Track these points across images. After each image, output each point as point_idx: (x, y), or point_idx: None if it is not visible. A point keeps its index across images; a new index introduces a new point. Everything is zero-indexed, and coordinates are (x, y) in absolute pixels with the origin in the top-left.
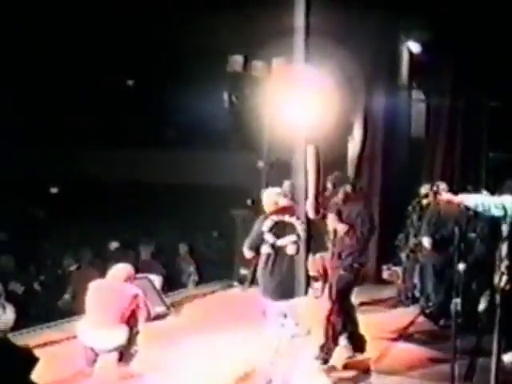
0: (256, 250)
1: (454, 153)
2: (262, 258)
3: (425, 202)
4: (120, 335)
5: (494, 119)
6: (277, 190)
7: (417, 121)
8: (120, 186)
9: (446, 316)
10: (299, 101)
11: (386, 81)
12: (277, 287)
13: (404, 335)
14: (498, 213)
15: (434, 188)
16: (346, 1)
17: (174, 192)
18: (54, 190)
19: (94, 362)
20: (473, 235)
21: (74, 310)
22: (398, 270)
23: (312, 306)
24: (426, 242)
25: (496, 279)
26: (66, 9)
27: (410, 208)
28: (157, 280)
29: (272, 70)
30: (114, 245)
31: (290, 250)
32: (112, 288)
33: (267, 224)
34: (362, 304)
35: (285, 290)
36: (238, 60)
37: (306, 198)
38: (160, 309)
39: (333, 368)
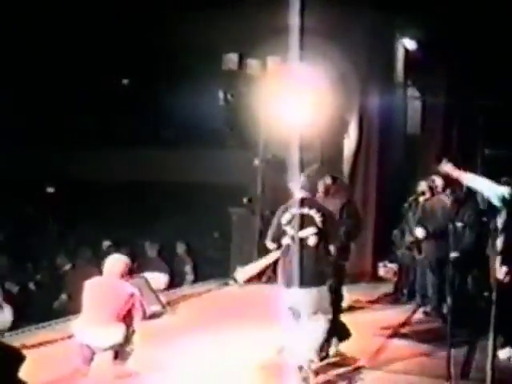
0: (278, 241)
1: (450, 150)
2: (283, 249)
3: (421, 199)
4: (117, 333)
5: (489, 116)
6: None
7: (412, 118)
8: (115, 185)
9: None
10: (294, 99)
11: (382, 78)
12: (296, 277)
13: (400, 332)
14: (497, 202)
15: (430, 183)
16: None
17: (170, 190)
18: (50, 190)
19: (90, 360)
20: (460, 224)
21: (70, 309)
22: (394, 267)
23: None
24: (419, 232)
25: (492, 273)
26: (65, 9)
27: (405, 205)
28: (163, 278)
29: (267, 68)
30: (106, 243)
31: (311, 241)
32: (108, 286)
33: (286, 217)
34: (357, 301)
35: (304, 279)
36: (233, 58)
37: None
38: (156, 308)
39: (329, 365)
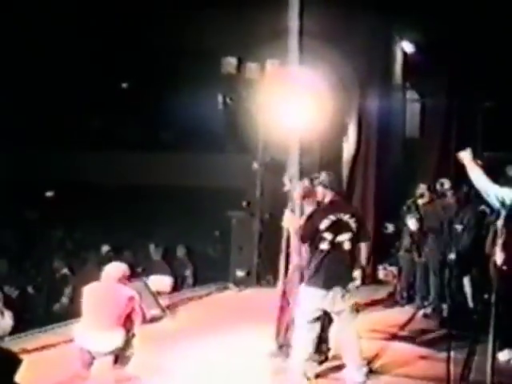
0: (314, 245)
1: (449, 153)
2: (318, 253)
3: (420, 201)
4: (116, 338)
5: (488, 119)
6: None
7: (411, 121)
8: (115, 189)
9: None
10: (293, 102)
11: (380, 81)
12: (330, 278)
13: (400, 335)
14: (495, 203)
15: (438, 186)
16: (339, 2)
17: (169, 194)
18: (49, 194)
19: (90, 365)
20: (459, 227)
21: (71, 313)
22: (394, 269)
23: None
24: (412, 224)
25: (491, 274)
26: (66, 9)
27: (404, 208)
28: (168, 281)
29: (266, 71)
30: (105, 248)
31: (346, 245)
32: (106, 291)
33: (325, 223)
34: (357, 304)
35: (336, 281)
36: (231, 62)
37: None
38: (155, 311)
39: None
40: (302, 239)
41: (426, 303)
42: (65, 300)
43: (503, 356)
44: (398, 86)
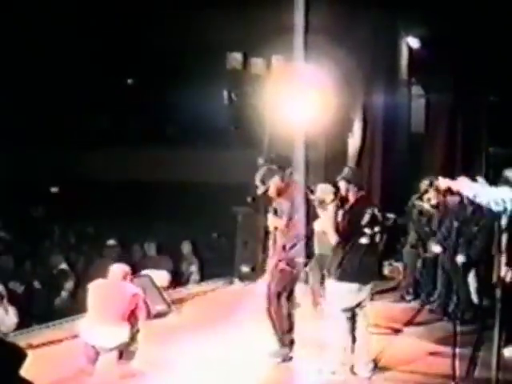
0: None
1: (454, 148)
2: (356, 248)
3: (426, 197)
4: (121, 333)
5: (493, 114)
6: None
7: (416, 116)
8: (120, 185)
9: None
10: (299, 98)
11: (386, 77)
12: (367, 272)
13: (405, 330)
14: (497, 207)
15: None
16: None
17: (175, 190)
18: (54, 190)
19: (95, 360)
20: (474, 229)
21: (72, 308)
22: (399, 265)
23: None
24: (436, 248)
25: (496, 272)
26: (66, 8)
27: (410, 203)
28: (165, 275)
29: (271, 67)
30: (110, 242)
31: (378, 238)
32: (111, 287)
33: (366, 218)
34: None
35: (370, 274)
36: (237, 57)
37: (312, 192)
38: (161, 307)
39: None
40: (344, 236)
41: (431, 299)
42: (64, 294)
43: (508, 352)
44: (404, 81)
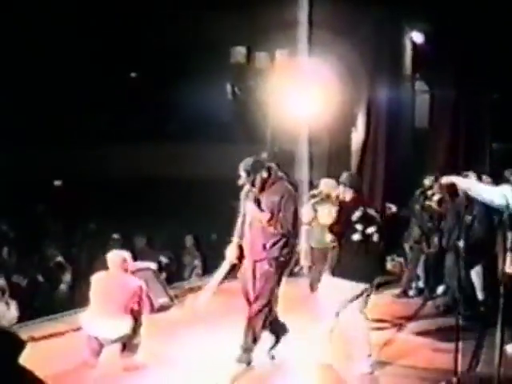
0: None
1: (458, 143)
2: (349, 245)
3: (429, 192)
4: (124, 325)
5: (497, 110)
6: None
7: (420, 112)
8: (123, 180)
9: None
10: (302, 92)
11: (390, 72)
12: (362, 270)
13: (407, 326)
14: (499, 201)
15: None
16: None
17: (178, 184)
18: (57, 183)
19: (98, 353)
20: (469, 218)
21: (73, 300)
22: (402, 260)
23: None
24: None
25: (501, 268)
26: (70, 6)
27: (413, 198)
28: (152, 266)
29: (275, 61)
30: (114, 236)
31: (375, 237)
32: (113, 280)
33: (357, 215)
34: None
35: (369, 272)
36: (241, 51)
37: (311, 188)
38: (164, 300)
39: None
40: (338, 233)
41: (434, 294)
42: (63, 287)
43: (511, 348)
44: (407, 76)
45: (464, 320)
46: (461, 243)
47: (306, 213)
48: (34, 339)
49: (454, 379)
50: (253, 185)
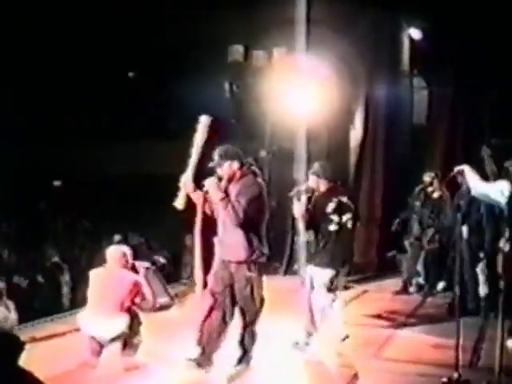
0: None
1: (456, 139)
2: (327, 235)
3: (430, 189)
4: (120, 324)
5: (496, 106)
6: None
7: (418, 108)
8: (122, 178)
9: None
10: (300, 90)
11: (388, 68)
12: (339, 257)
13: (408, 322)
14: (498, 197)
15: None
16: None
17: (176, 183)
18: (57, 183)
19: (98, 353)
20: (477, 215)
21: (72, 300)
22: (402, 257)
23: None
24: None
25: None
26: (67, 3)
27: (412, 195)
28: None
29: (273, 59)
30: (116, 238)
31: (349, 224)
32: (110, 276)
33: (331, 206)
34: (365, 291)
35: (346, 258)
36: (238, 50)
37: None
38: (164, 299)
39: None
40: (310, 224)
41: (434, 291)
42: (63, 287)
43: None
44: (405, 73)
45: (465, 315)
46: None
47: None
48: (34, 340)
49: (455, 375)
50: (222, 172)
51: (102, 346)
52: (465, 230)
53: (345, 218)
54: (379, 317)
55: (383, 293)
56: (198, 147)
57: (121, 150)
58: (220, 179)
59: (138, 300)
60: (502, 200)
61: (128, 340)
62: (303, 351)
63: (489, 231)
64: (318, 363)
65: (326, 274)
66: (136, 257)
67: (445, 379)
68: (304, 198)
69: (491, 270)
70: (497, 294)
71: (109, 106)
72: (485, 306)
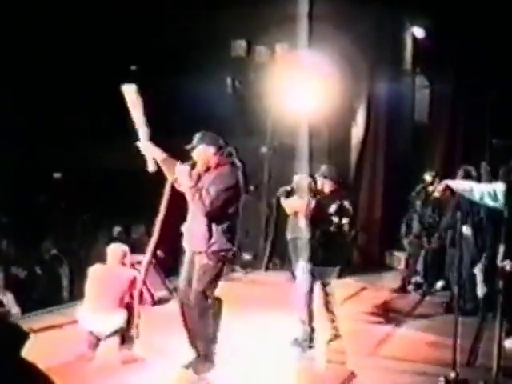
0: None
1: (457, 139)
2: (325, 235)
3: (431, 188)
4: (118, 319)
5: (497, 105)
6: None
7: (420, 106)
8: (122, 173)
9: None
10: (302, 86)
11: (390, 66)
12: (332, 257)
13: (406, 321)
14: (491, 202)
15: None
16: None
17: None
18: (57, 175)
19: (95, 346)
20: (477, 214)
21: (70, 292)
22: (401, 255)
23: None
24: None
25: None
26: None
27: (413, 193)
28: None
29: (275, 55)
30: (116, 229)
31: (346, 227)
32: (109, 272)
33: (333, 208)
34: (364, 289)
35: (337, 258)
36: (241, 45)
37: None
38: (162, 293)
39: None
40: (313, 222)
41: (432, 289)
42: (61, 279)
43: (510, 343)
44: (408, 71)
45: (463, 315)
46: (467, 231)
47: (291, 205)
48: (32, 331)
49: (453, 374)
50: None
51: (98, 340)
52: (465, 229)
53: (343, 221)
54: (377, 314)
55: (382, 291)
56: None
57: (121, 144)
58: (193, 166)
59: (133, 297)
60: (495, 204)
61: (126, 334)
62: (303, 348)
63: (489, 231)
64: (314, 360)
65: (321, 271)
66: (138, 249)
67: (442, 378)
68: (307, 197)
69: (490, 270)
70: (495, 294)
71: (109, 102)
72: (483, 306)
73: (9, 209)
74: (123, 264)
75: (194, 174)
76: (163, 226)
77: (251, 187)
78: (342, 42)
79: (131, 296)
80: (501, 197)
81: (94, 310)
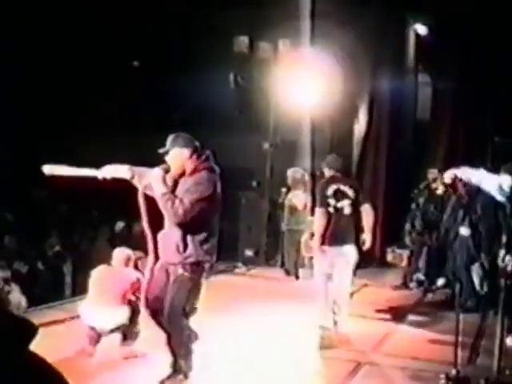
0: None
1: (459, 136)
2: (325, 216)
3: (434, 186)
4: (120, 315)
5: (499, 104)
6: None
7: (422, 104)
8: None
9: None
10: (305, 82)
11: (393, 63)
12: (337, 236)
13: (408, 318)
14: (497, 194)
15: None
16: None
17: None
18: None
19: (96, 341)
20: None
21: (74, 288)
22: (403, 252)
23: None
24: (464, 231)
25: (499, 260)
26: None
27: (416, 191)
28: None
29: (278, 51)
30: (119, 225)
31: (346, 210)
32: (113, 272)
33: (330, 191)
34: (365, 286)
35: (342, 238)
36: (244, 41)
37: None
38: None
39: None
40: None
41: (433, 287)
42: (64, 275)
43: (511, 341)
44: (410, 68)
45: (464, 312)
46: (465, 231)
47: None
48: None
49: (454, 371)
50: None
51: (99, 335)
52: (463, 230)
53: (340, 204)
54: (378, 311)
55: (383, 287)
56: None
57: (123, 142)
58: (167, 171)
59: (136, 295)
60: (501, 196)
61: (127, 331)
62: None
63: (487, 230)
64: (316, 357)
65: (328, 251)
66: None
67: (443, 375)
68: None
69: (491, 267)
70: (496, 291)
71: (111, 97)
72: (484, 304)
73: (11, 204)
74: (127, 265)
75: (169, 180)
76: (156, 226)
77: (253, 183)
78: (344, 38)
79: (134, 293)
80: (508, 189)
81: (97, 305)
